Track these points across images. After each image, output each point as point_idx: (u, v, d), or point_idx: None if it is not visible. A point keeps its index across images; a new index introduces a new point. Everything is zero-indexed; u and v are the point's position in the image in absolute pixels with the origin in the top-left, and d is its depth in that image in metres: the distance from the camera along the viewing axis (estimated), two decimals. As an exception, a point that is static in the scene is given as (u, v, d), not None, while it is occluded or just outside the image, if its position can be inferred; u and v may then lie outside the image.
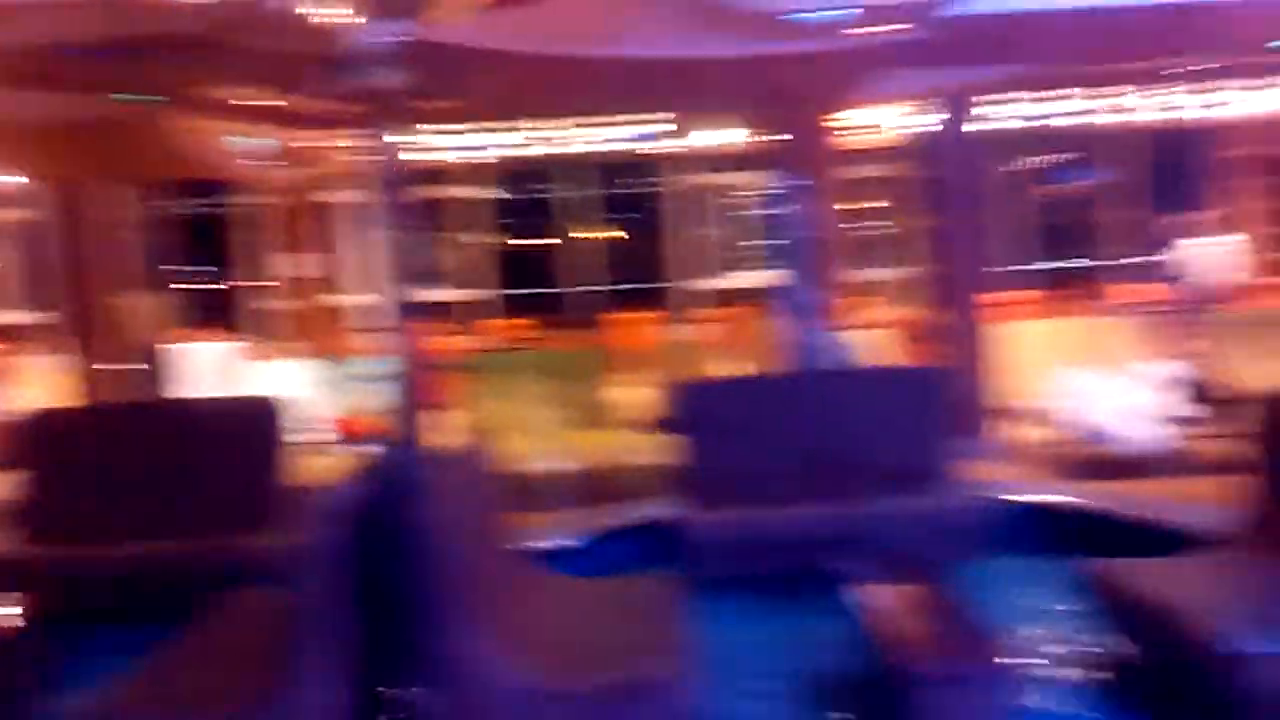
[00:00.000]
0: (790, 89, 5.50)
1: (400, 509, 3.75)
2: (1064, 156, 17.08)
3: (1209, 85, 12.63)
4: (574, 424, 8.50)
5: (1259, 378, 7.50)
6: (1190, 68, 11.88)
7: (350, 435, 9.39)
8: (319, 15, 6.21)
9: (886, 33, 7.33)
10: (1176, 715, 3.99)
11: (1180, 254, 13.11)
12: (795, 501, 5.89)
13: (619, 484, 7.59)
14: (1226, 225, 14.21)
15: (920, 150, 9.26)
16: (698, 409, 6.46)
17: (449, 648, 3.62)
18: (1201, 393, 7.62)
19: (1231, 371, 8.18)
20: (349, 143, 11.21)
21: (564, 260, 16.65)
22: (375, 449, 7.74)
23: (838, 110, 10.15)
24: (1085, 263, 16.64)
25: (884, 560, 4.95)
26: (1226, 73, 12.24)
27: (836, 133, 12.22)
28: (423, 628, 3.63)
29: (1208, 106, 12.98)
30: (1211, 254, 13.12)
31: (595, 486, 7.51)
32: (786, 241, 7.11)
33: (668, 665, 3.79)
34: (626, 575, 5.05)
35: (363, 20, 4.52)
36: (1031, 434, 8.45)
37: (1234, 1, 4.53)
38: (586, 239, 16.85)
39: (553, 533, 6.00)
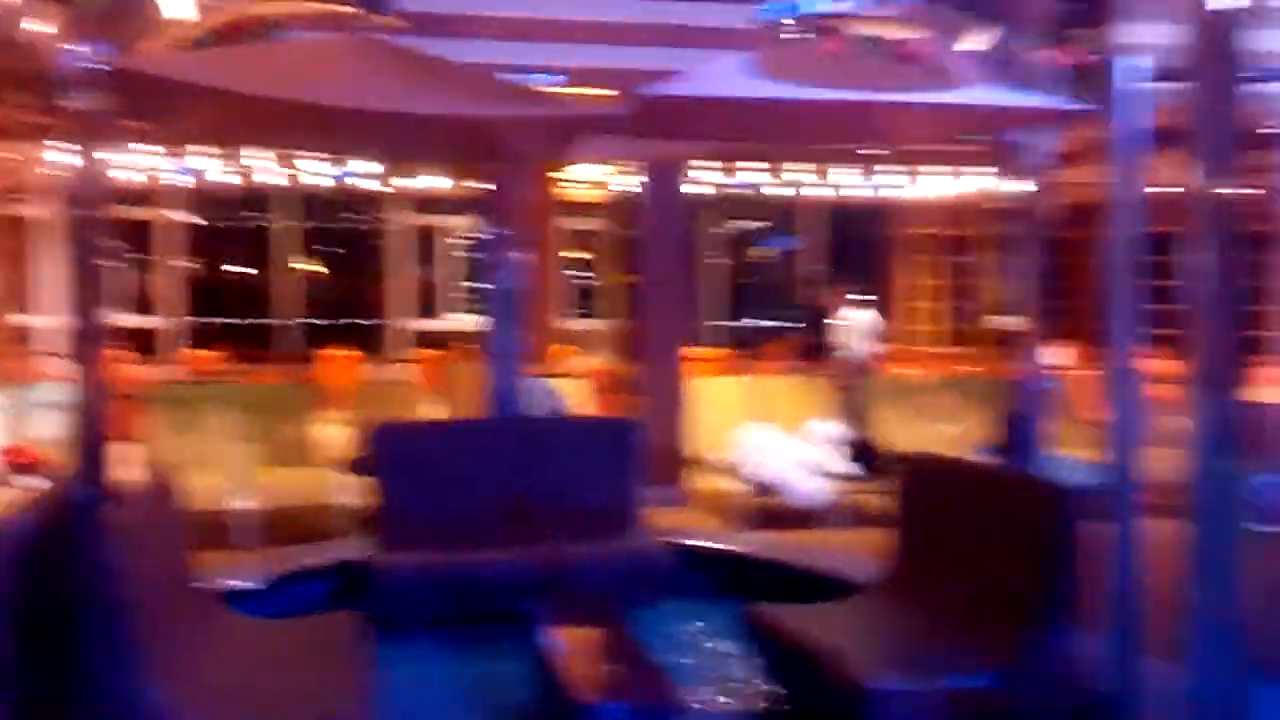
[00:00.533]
0: (503, 146, 5.73)
1: (69, 547, 3.65)
2: (763, 224, 18.18)
3: (891, 168, 13.85)
4: (273, 461, 8.37)
5: (909, 439, 8.31)
6: (878, 152, 12.97)
7: (19, 467, 8.83)
8: (22, 30, 5.98)
9: (595, 102, 7.74)
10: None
11: (840, 324, 14.24)
12: (488, 545, 6.04)
13: (313, 524, 7.53)
14: (886, 297, 15.56)
15: (626, 209, 9.73)
16: (393, 450, 6.51)
17: (122, 696, 3.54)
18: (860, 452, 8.32)
19: (886, 432, 8.96)
20: (47, 156, 10.66)
21: (277, 292, 16.25)
22: (44, 482, 7.36)
23: (553, 167, 10.52)
24: (774, 323, 17.72)
25: (573, 602, 5.19)
26: (910, 157, 13.45)
27: (558, 185, 12.63)
28: (94, 675, 3.53)
29: (885, 188, 14.23)
30: (860, 325, 14.34)
31: (288, 526, 7.42)
32: (494, 287, 7.30)
33: (351, 707, 3.84)
34: (313, 617, 5.05)
35: (68, 41, 4.43)
36: (719, 484, 8.97)
37: (901, 102, 5.09)
38: (300, 272, 16.52)
39: (239, 573, 5.91)
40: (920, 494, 5.00)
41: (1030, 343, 5.13)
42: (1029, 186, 5.02)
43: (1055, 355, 7.59)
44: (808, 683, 4.48)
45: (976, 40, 6.90)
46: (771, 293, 18.70)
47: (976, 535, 4.52)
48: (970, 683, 4.04)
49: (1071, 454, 5.16)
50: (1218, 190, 2.69)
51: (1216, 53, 2.82)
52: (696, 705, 4.78)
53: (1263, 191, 5.48)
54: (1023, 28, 7.02)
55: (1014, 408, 5.08)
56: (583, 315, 16.53)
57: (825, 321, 12.31)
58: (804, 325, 15.51)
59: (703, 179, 12.96)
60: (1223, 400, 2.71)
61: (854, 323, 14.48)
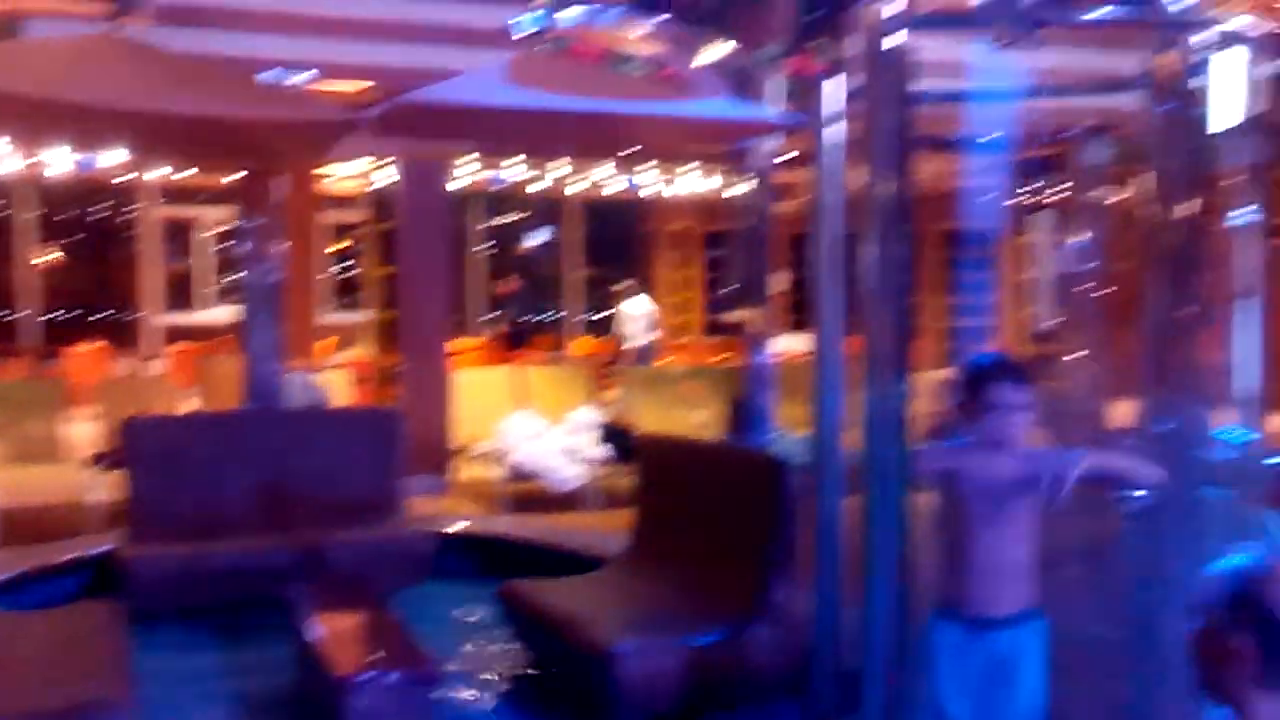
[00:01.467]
0: (260, 146, 5.82)
1: None
2: (523, 217, 18.51)
3: (649, 166, 14.39)
4: (18, 459, 8.13)
5: (662, 425, 8.81)
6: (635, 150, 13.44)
7: None
8: None
9: (350, 99, 7.87)
10: (571, 709, 4.73)
11: (620, 314, 14.80)
12: (245, 534, 6.13)
13: (61, 521, 7.40)
14: (647, 290, 16.22)
15: (388, 202, 9.87)
16: (144, 444, 6.47)
17: None
18: (614, 437, 8.76)
19: (641, 419, 9.43)
20: None
21: (17, 286, 15.48)
22: None
23: (313, 163, 10.51)
24: (536, 316, 18.12)
25: (332, 586, 5.37)
26: (666, 155, 13.99)
27: (318, 178, 12.57)
28: None
29: (643, 185, 14.79)
30: (638, 315, 14.97)
31: (33, 524, 7.27)
32: (252, 280, 7.33)
33: (109, 691, 3.93)
34: (67, 607, 5.06)
35: None
36: (482, 472, 9.25)
37: (645, 113, 5.48)
38: (43, 264, 15.79)
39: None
40: (656, 473, 5.43)
41: (760, 332, 5.61)
42: (754, 187, 5.50)
43: (791, 343, 8.20)
44: (558, 650, 4.83)
45: (715, 54, 7.40)
46: (536, 286, 19.06)
47: (707, 507, 4.97)
48: (704, 639, 4.47)
49: (796, 433, 5.69)
50: (883, 191, 3.13)
51: (883, 63, 3.24)
52: (454, 675, 5.05)
53: (944, 191, 6.13)
54: (763, 40, 7.58)
55: (744, 393, 5.55)
56: (345, 308, 16.46)
57: (610, 313, 12.80)
58: (591, 317, 15.99)
59: (466, 173, 13.16)
60: (889, 380, 3.15)
61: (635, 314, 15.06)
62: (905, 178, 3.17)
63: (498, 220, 18.23)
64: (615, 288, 16.19)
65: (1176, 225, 3.25)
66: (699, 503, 5.03)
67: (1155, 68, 3.29)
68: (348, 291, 16.77)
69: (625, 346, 14.93)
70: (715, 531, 4.84)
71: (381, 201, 10.20)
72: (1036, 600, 3.19)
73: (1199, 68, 3.29)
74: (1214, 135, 3.30)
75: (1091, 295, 5.35)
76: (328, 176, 12.84)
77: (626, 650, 4.32)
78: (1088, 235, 5.20)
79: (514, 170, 14.04)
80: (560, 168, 14.17)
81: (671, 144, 8.64)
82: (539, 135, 6.56)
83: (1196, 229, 3.27)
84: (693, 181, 14.66)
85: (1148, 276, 3.33)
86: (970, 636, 3.20)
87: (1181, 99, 3.25)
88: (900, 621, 3.14)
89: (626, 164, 13.95)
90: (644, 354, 14.71)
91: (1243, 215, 3.42)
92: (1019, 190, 11.11)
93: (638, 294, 15.45)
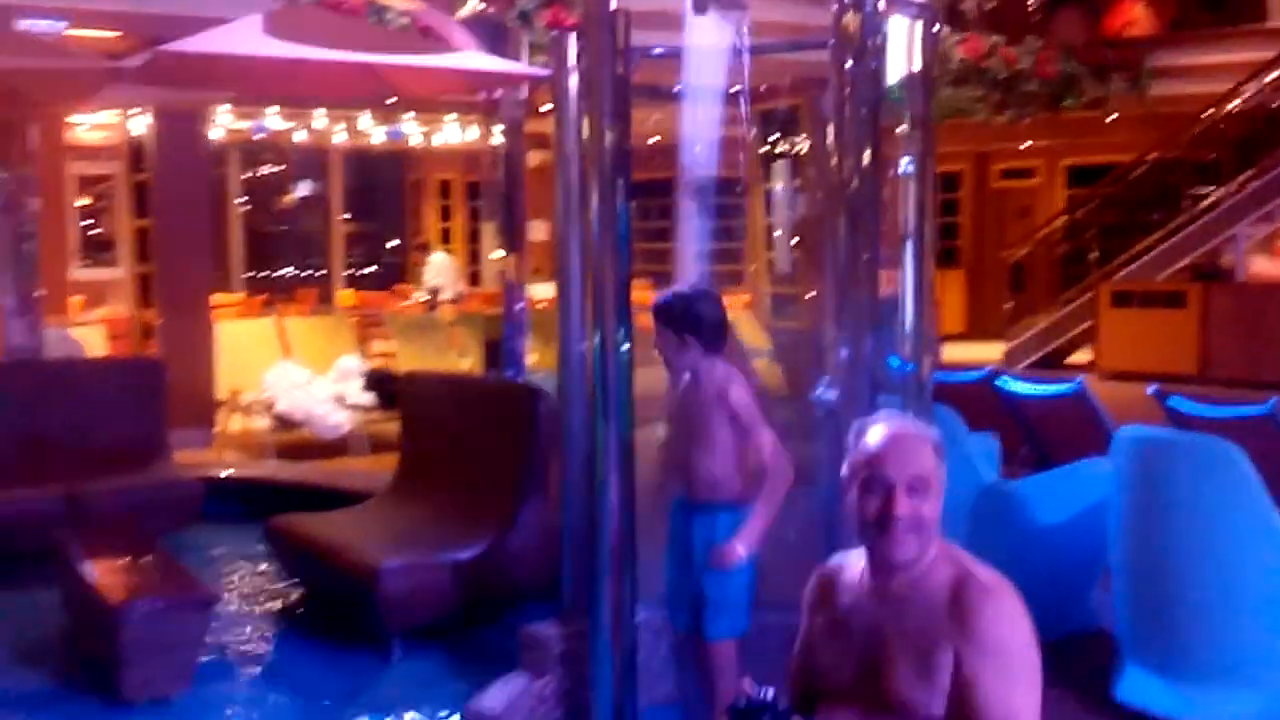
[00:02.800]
0: (8, 96, 5.76)
1: None
2: (285, 168, 18.23)
3: (412, 116, 14.49)
4: None
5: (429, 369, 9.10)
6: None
7: None
8: None
9: (103, 46, 7.76)
10: (344, 631, 5.04)
11: (429, 267, 14.90)
12: (9, 484, 6.14)
13: None
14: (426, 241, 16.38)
15: (142, 153, 9.70)
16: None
17: None
18: (380, 382, 9.01)
19: (408, 364, 9.71)
20: None
21: None
22: None
23: (62, 113, 10.21)
24: (304, 270, 17.94)
25: (102, 532, 5.48)
26: (429, 106, 14.12)
27: (68, 128, 12.14)
28: None
29: (408, 135, 14.89)
30: (445, 269, 15.10)
31: None
32: (4, 233, 7.21)
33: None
34: None
35: None
36: (249, 423, 9.33)
37: (404, 65, 5.73)
38: None
39: None
40: (417, 409, 5.77)
41: (515, 278, 5.99)
42: (506, 137, 5.85)
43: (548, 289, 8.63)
44: (326, 576, 5.13)
45: (470, 7, 7.71)
46: (300, 238, 18.82)
47: (465, 437, 5.35)
48: (465, 554, 4.86)
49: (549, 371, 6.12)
50: (605, 140, 3.49)
51: (598, 17, 3.54)
52: (227, 606, 5.28)
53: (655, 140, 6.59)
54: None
55: (500, 335, 5.93)
56: (100, 263, 15.90)
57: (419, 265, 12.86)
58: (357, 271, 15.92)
59: (225, 123, 12.96)
60: (614, 322, 3.52)
61: (441, 267, 15.16)
62: (624, 128, 3.54)
63: (259, 172, 17.89)
64: (417, 242, 16.33)
65: (858, 173, 3.77)
66: (457, 433, 5.40)
67: (841, 26, 3.76)
68: (99, 247, 16.19)
69: (440, 299, 15.04)
70: (473, 458, 5.22)
71: (135, 152, 10.01)
72: (736, 497, 3.72)
73: (877, 26, 3.77)
74: (888, 90, 3.82)
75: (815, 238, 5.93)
76: (77, 126, 12.43)
77: (391, 568, 4.66)
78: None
79: (274, 120, 13.90)
80: (321, 118, 14.12)
81: (427, 94, 8.86)
82: (299, 84, 6.71)
83: (875, 176, 3.80)
84: (454, 132, 14.85)
85: (835, 220, 3.86)
86: (680, 516, 3.76)
87: (862, 56, 3.72)
88: (626, 524, 3.57)
89: (388, 114, 14.01)
90: (453, 304, 14.88)
91: (907, 164, 3.95)
92: (766, 140, 11.84)
93: (439, 249, 15.67)
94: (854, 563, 2.42)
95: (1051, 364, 13.54)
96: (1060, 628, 4.95)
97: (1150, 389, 5.54)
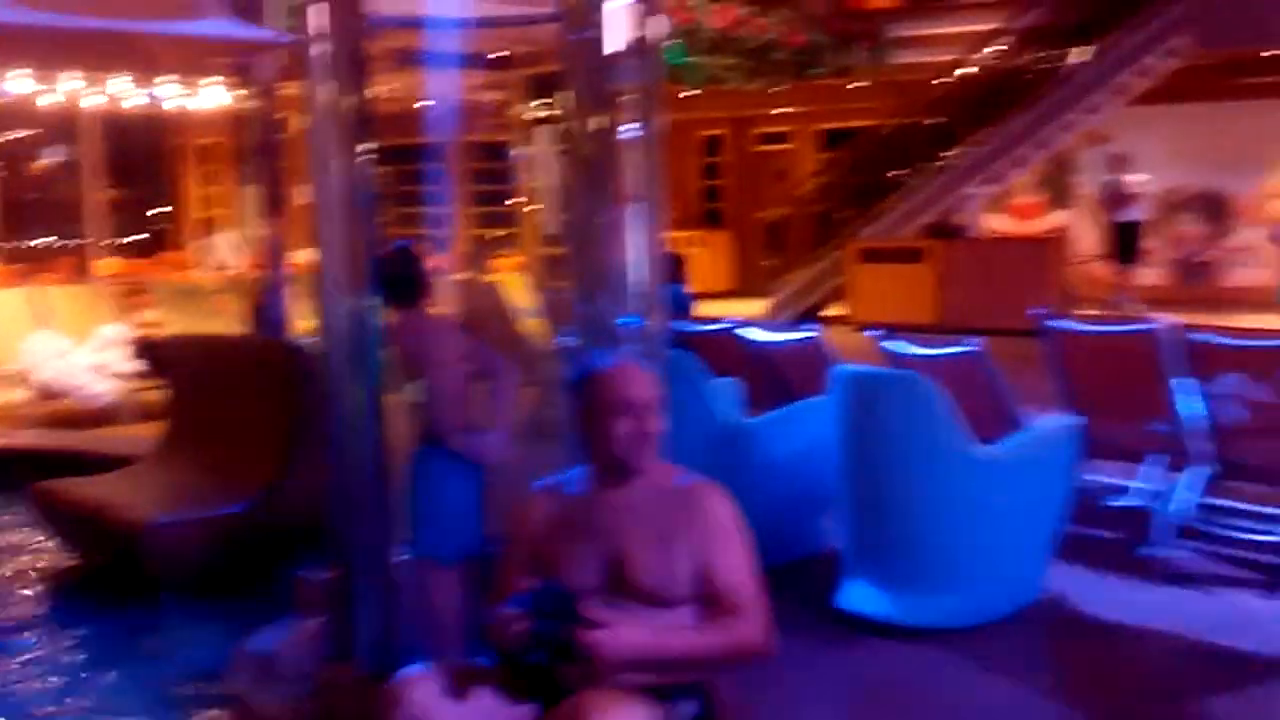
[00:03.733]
0: None
1: None
2: (35, 133, 17.39)
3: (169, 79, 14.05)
4: None
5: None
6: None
7: None
8: None
9: None
10: (115, 589, 5.11)
11: (212, 243, 14.48)
12: None
13: None
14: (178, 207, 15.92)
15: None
16: None
17: None
18: (146, 350, 8.91)
19: (175, 331, 9.59)
20: None
21: None
22: None
23: None
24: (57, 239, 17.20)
25: None
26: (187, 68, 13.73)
27: None
28: None
29: (166, 99, 14.43)
30: (230, 243, 14.71)
31: None
32: None
33: None
34: None
35: None
36: (7, 395, 9.05)
37: (152, 32, 5.73)
38: None
39: None
40: (183, 371, 5.86)
41: (276, 243, 6.11)
42: (258, 101, 5.94)
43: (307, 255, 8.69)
44: (95, 536, 5.19)
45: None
46: (57, 206, 18.00)
47: (232, 395, 5.49)
48: (235, 508, 5.01)
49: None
50: (340, 107, 3.69)
51: None
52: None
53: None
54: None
55: (262, 299, 6.05)
56: None
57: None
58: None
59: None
60: (356, 288, 3.76)
61: (227, 242, 14.74)
62: (363, 94, 3.74)
63: (7, 137, 17.01)
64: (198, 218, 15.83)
65: (590, 137, 4.08)
66: (223, 392, 5.53)
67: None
68: None
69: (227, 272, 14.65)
70: (239, 415, 5.37)
71: None
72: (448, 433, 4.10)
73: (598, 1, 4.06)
74: (613, 58, 4.10)
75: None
76: None
77: (160, 524, 4.79)
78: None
79: (20, 84, 13.27)
80: (72, 81, 13.56)
81: (175, 61, 8.75)
82: (47, 51, 6.60)
83: (605, 141, 4.11)
84: (215, 95, 14.50)
85: (572, 183, 4.16)
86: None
87: (588, 27, 4.02)
88: (380, 472, 3.83)
89: (144, 78, 13.57)
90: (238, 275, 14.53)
91: (632, 129, 4.25)
92: (530, 105, 12.13)
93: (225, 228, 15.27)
94: (574, 481, 2.81)
95: (810, 318, 14.36)
96: (794, 551, 5.51)
97: (872, 333, 6.12)
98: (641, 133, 4.25)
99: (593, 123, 4.12)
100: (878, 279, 13.62)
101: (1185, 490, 5.16)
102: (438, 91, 4.35)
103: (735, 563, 2.71)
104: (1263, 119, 14.17)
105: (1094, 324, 5.81)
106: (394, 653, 3.89)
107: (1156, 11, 12.58)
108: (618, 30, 4.09)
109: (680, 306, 7.75)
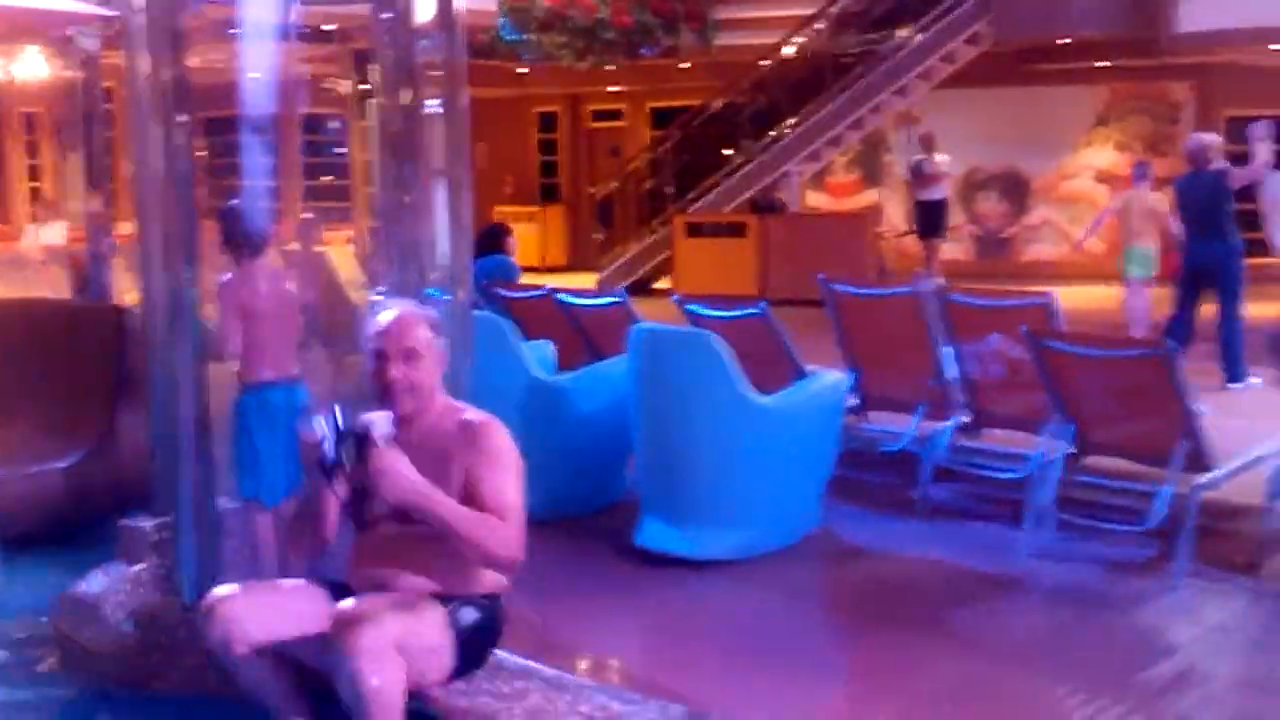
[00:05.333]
0: None
1: None
2: None
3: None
4: None
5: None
6: None
7: None
8: None
9: None
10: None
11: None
12: None
13: None
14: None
15: None
16: None
17: None
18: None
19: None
20: None
21: None
22: None
23: None
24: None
25: None
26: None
27: None
28: None
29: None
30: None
31: None
32: None
33: None
34: None
35: None
36: None
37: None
38: None
39: None
40: (9, 334, 5.96)
41: (99, 214, 6.24)
42: (82, 73, 6.06)
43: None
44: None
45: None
46: None
47: (55, 355, 5.64)
48: (62, 463, 5.20)
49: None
50: (159, 79, 3.89)
51: None
52: None
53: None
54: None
55: (88, 269, 6.19)
56: None
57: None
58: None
59: None
60: (179, 260, 4.00)
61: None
62: (181, 66, 3.94)
63: None
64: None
65: (397, 112, 4.36)
66: (47, 354, 5.67)
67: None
68: None
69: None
70: (65, 375, 5.53)
71: None
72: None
73: None
74: (418, 34, 4.37)
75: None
76: None
77: (-9, 479, 4.96)
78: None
79: None
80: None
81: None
82: None
83: (412, 116, 4.40)
84: (36, 64, 14.19)
85: (381, 159, 4.43)
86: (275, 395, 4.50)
87: (395, 3, 4.29)
88: (200, 426, 4.10)
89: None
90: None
91: (435, 104, 4.54)
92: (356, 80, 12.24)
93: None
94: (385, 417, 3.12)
95: (639, 290, 14.85)
96: (601, 499, 5.99)
97: (674, 298, 6.62)
98: (446, 109, 4.54)
99: (400, 98, 4.42)
100: (703, 252, 14.19)
101: (945, 437, 5.79)
102: (257, 64, 4.57)
103: (503, 484, 2.98)
104: (1058, 103, 15.23)
105: (867, 288, 6.40)
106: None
107: (957, 2, 13.42)
108: (424, 6, 4.37)
109: (505, 275, 8.12)
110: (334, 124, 15.71)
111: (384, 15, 4.31)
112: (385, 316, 3.10)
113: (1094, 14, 12.68)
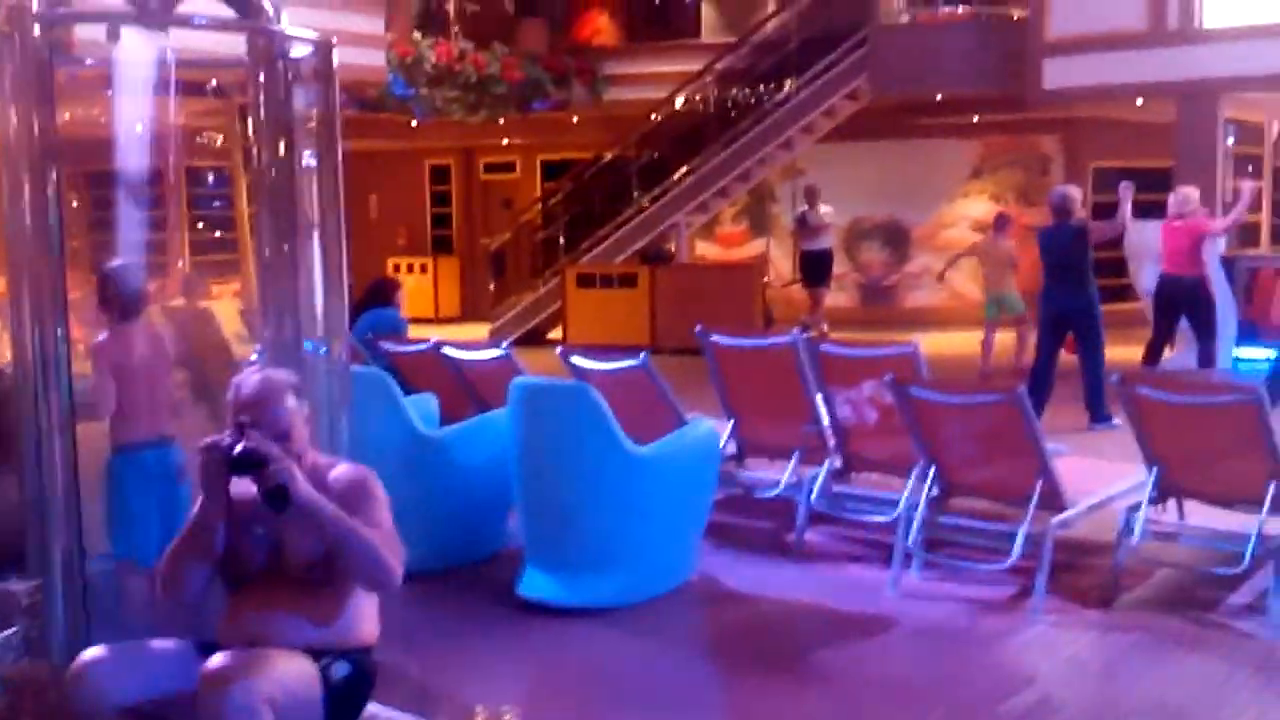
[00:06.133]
0: None
1: None
2: None
3: None
4: None
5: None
6: None
7: None
8: None
9: None
10: None
11: None
12: None
13: None
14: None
15: None
16: None
17: None
18: None
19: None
20: None
21: None
22: None
23: None
24: None
25: None
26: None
27: None
28: None
29: None
30: None
31: None
32: None
33: None
34: None
35: None
36: None
37: None
38: None
39: None
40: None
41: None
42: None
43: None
44: None
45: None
46: None
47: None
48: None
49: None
50: (32, 130, 3.89)
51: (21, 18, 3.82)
52: None
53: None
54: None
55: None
56: None
57: None
58: None
59: None
60: (49, 314, 4.00)
61: None
62: (51, 120, 3.94)
63: None
64: None
65: (274, 165, 4.40)
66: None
67: (252, 47, 4.40)
68: None
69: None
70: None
71: None
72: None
73: (283, 50, 4.42)
74: (296, 88, 4.42)
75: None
76: None
77: None
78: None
79: None
80: None
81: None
82: None
83: (288, 169, 4.44)
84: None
85: (258, 212, 4.50)
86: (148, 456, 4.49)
87: (272, 55, 4.35)
88: (71, 486, 4.08)
89: None
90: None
91: (309, 157, 4.39)
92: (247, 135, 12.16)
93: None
94: None
95: (533, 340, 14.95)
96: (484, 549, 6.05)
97: (558, 350, 6.73)
98: (322, 161, 4.56)
99: (275, 150, 4.45)
100: (594, 303, 14.36)
101: (819, 482, 5.98)
102: (138, 118, 4.56)
103: (380, 517, 3.11)
104: (936, 156, 15.79)
105: (742, 338, 6.59)
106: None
107: (838, 59, 13.87)
108: (299, 59, 4.44)
109: (392, 329, 8.17)
110: (220, 176, 15.62)
111: (260, 65, 4.38)
112: (248, 389, 3.15)
113: (965, 72, 13.21)
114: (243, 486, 3.03)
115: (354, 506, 3.08)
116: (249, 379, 3.18)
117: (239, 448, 2.94)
